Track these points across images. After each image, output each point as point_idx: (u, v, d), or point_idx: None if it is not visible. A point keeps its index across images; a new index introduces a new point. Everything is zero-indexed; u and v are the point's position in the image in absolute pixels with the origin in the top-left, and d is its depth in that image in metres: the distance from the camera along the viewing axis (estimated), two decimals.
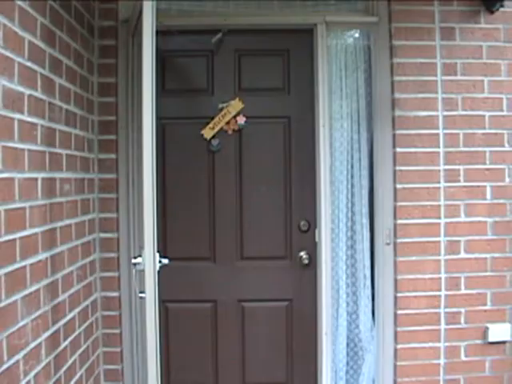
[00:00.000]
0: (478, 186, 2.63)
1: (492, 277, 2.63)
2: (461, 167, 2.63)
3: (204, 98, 2.76)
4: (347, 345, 2.88)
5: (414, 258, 2.62)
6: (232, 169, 2.76)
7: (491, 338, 2.62)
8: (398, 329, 2.63)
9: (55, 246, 2.01)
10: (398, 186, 2.62)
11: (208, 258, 2.77)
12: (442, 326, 2.62)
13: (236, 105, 2.73)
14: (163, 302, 2.65)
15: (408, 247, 2.62)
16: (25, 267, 1.72)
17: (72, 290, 2.19)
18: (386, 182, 2.66)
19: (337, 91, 2.84)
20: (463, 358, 2.64)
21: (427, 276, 2.62)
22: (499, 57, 2.64)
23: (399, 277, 2.62)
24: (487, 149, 2.64)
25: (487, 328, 2.62)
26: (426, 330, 2.62)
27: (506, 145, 2.65)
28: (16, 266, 1.65)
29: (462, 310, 2.62)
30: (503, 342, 2.64)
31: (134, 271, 2.13)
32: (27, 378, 1.71)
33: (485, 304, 2.63)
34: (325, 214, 2.65)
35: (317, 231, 2.71)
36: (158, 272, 1.81)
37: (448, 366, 2.63)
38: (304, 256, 2.74)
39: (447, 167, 2.63)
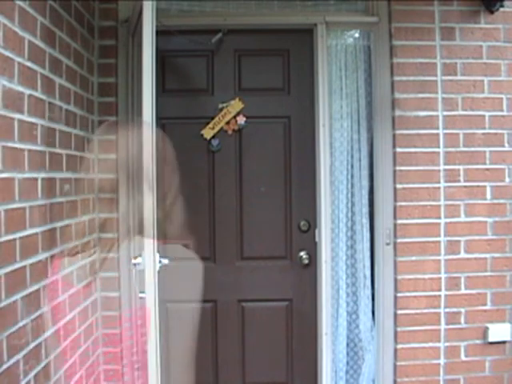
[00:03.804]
0: (478, 186, 2.63)
1: (492, 277, 2.63)
2: (461, 167, 2.63)
3: (204, 98, 2.76)
4: (347, 345, 2.88)
5: (413, 258, 2.62)
6: (232, 169, 2.76)
7: (491, 338, 2.61)
8: (398, 329, 2.63)
9: (55, 246, 2.01)
10: (398, 186, 2.62)
11: (208, 257, 2.77)
12: (442, 326, 2.62)
13: (236, 105, 2.73)
14: (163, 302, 2.65)
15: (408, 247, 2.62)
16: (25, 267, 1.72)
17: (72, 290, 2.19)
18: (386, 181, 2.66)
19: (337, 91, 2.84)
20: (463, 357, 2.64)
21: (427, 276, 2.62)
22: (499, 57, 2.64)
23: (399, 277, 2.62)
24: (487, 149, 2.64)
25: (487, 328, 2.62)
26: (426, 329, 2.62)
27: (506, 145, 2.65)
28: (16, 265, 1.65)
29: (462, 310, 2.62)
30: (503, 342, 2.64)
31: (134, 271, 2.13)
32: (27, 378, 1.71)
33: (485, 304, 2.63)
34: (325, 214, 2.65)
35: (317, 231, 2.71)
36: (158, 272, 1.81)
37: (448, 366, 2.63)
38: (304, 256, 2.74)
39: (447, 167, 2.63)
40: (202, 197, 2.76)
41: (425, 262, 2.62)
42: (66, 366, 2.08)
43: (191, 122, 2.74)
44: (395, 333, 2.64)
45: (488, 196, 2.64)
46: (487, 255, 2.63)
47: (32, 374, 1.75)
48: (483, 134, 2.63)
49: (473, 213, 2.63)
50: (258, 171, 2.77)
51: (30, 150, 1.77)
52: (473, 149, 2.63)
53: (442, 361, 2.63)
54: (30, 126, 1.78)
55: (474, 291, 2.63)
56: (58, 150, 2.05)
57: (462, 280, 2.62)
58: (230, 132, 2.74)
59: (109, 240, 1.66)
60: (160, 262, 1.87)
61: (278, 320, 2.79)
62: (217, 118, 2.73)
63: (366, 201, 2.84)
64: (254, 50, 2.78)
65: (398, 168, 2.62)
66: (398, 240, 2.62)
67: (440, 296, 2.62)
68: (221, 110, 2.73)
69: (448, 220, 2.62)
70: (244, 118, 2.73)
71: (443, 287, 2.62)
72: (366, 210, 2.83)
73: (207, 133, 2.74)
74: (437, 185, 2.62)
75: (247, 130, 2.75)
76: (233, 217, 2.76)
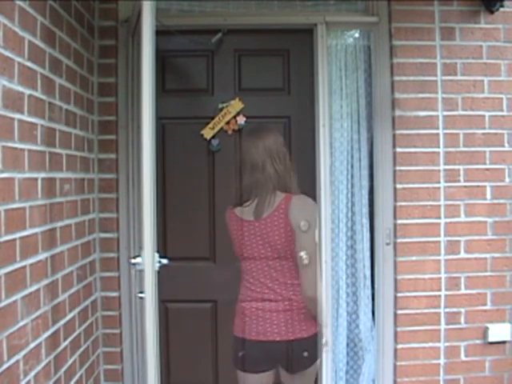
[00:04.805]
0: (478, 186, 2.63)
1: (492, 277, 2.63)
2: (461, 167, 2.63)
3: (204, 98, 2.76)
4: (347, 345, 2.88)
5: (414, 258, 2.62)
6: (232, 169, 2.76)
7: (491, 338, 2.62)
8: (398, 329, 2.63)
9: (55, 246, 2.01)
10: (398, 186, 2.62)
11: (208, 258, 2.77)
12: (442, 326, 2.62)
13: (236, 105, 2.73)
14: (163, 302, 2.65)
15: (408, 247, 2.62)
16: (25, 267, 1.72)
17: (72, 290, 2.19)
18: (386, 182, 2.66)
19: (337, 91, 2.84)
20: (463, 357, 2.64)
21: (427, 276, 2.62)
22: (499, 57, 2.64)
23: (399, 277, 2.62)
24: (487, 149, 2.64)
25: (487, 328, 2.62)
26: (426, 329, 2.62)
27: (506, 145, 2.65)
28: (16, 266, 1.65)
29: (462, 310, 2.62)
30: (503, 342, 2.64)
31: (133, 271, 2.13)
32: (27, 378, 1.71)
33: (485, 304, 2.63)
34: (325, 214, 2.65)
35: (317, 231, 2.70)
36: (158, 272, 1.81)
37: (448, 366, 2.63)
38: (304, 256, 2.73)
39: (447, 167, 2.63)
40: (202, 196, 2.76)
41: (425, 262, 2.62)
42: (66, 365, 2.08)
43: (191, 122, 2.74)
44: (395, 333, 2.64)
45: (488, 196, 2.64)
46: (487, 255, 2.63)
47: (32, 373, 1.75)
48: (483, 134, 2.63)
49: (473, 213, 2.63)
50: None
51: (30, 150, 1.77)
52: (473, 149, 2.63)
53: (441, 361, 2.63)
54: (30, 126, 1.78)
55: (474, 291, 2.63)
56: (58, 150, 2.05)
57: (462, 280, 2.62)
58: (230, 132, 2.74)
59: None
60: (159, 262, 1.87)
61: None
62: (217, 118, 2.73)
63: (365, 201, 2.84)
64: (254, 50, 2.78)
65: (397, 168, 2.62)
66: (398, 240, 2.62)
67: (440, 296, 2.62)
68: (221, 110, 2.73)
69: (448, 220, 2.63)
70: (244, 118, 2.73)
71: (443, 287, 2.62)
72: (365, 209, 2.83)
73: (207, 133, 2.74)
74: (437, 185, 2.62)
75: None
76: None
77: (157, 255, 1.80)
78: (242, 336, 2.15)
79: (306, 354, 2.08)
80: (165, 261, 1.97)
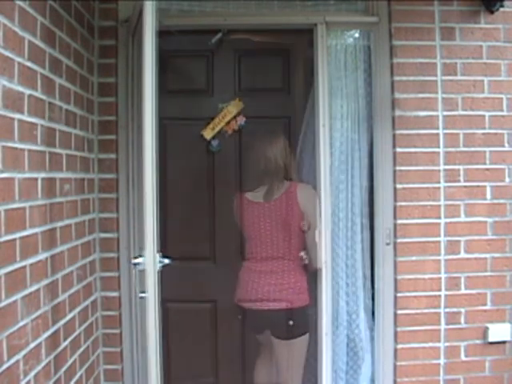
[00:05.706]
0: (478, 186, 2.63)
1: (492, 277, 2.63)
2: (461, 167, 2.63)
3: (204, 98, 2.76)
4: (347, 345, 2.87)
5: (414, 258, 2.62)
6: (232, 169, 2.76)
7: (491, 338, 2.62)
8: (398, 329, 2.63)
9: (55, 246, 2.01)
10: (398, 186, 2.62)
11: (208, 258, 2.78)
12: (442, 326, 2.62)
13: (236, 105, 2.73)
14: (163, 302, 2.64)
15: (408, 247, 2.62)
16: (25, 267, 1.72)
17: (72, 290, 2.19)
18: (386, 182, 2.66)
19: (337, 91, 2.83)
20: (463, 357, 2.64)
21: (427, 276, 2.62)
22: (499, 57, 2.64)
23: (399, 277, 2.62)
24: (487, 149, 2.64)
25: (487, 328, 2.62)
26: (426, 329, 2.62)
27: (506, 145, 2.65)
28: (16, 266, 1.65)
29: (462, 310, 2.62)
30: (503, 342, 2.64)
31: (134, 271, 2.13)
32: (27, 378, 1.71)
33: (485, 304, 2.63)
34: (325, 214, 2.65)
35: (317, 231, 2.71)
36: (159, 272, 1.81)
37: (448, 366, 2.63)
38: (304, 256, 2.74)
39: (447, 167, 2.63)
40: (202, 197, 2.76)
41: (425, 262, 2.62)
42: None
43: (191, 123, 2.75)
44: (395, 333, 2.64)
45: (488, 196, 2.64)
46: (487, 255, 2.63)
47: (32, 373, 1.75)
48: (483, 134, 2.63)
49: (473, 213, 2.63)
50: None
51: (30, 150, 1.77)
52: (473, 149, 2.63)
53: (441, 361, 2.63)
54: (30, 125, 1.78)
55: (474, 291, 2.63)
56: (58, 150, 2.05)
57: (462, 280, 2.63)
58: (230, 132, 2.75)
59: None
60: (161, 262, 1.88)
61: None
62: (217, 119, 2.73)
63: (365, 201, 2.83)
64: (254, 50, 2.78)
65: (397, 168, 2.62)
66: (398, 240, 2.62)
67: (440, 296, 2.62)
68: (221, 110, 2.73)
69: (448, 220, 2.63)
70: (244, 119, 2.74)
71: (443, 287, 2.62)
72: (366, 210, 2.83)
73: (207, 133, 2.74)
74: (437, 185, 2.62)
75: (247, 131, 2.75)
76: (233, 217, 2.75)
77: (158, 255, 1.81)
78: (239, 304, 2.54)
79: (291, 322, 2.43)
80: (167, 260, 1.97)
